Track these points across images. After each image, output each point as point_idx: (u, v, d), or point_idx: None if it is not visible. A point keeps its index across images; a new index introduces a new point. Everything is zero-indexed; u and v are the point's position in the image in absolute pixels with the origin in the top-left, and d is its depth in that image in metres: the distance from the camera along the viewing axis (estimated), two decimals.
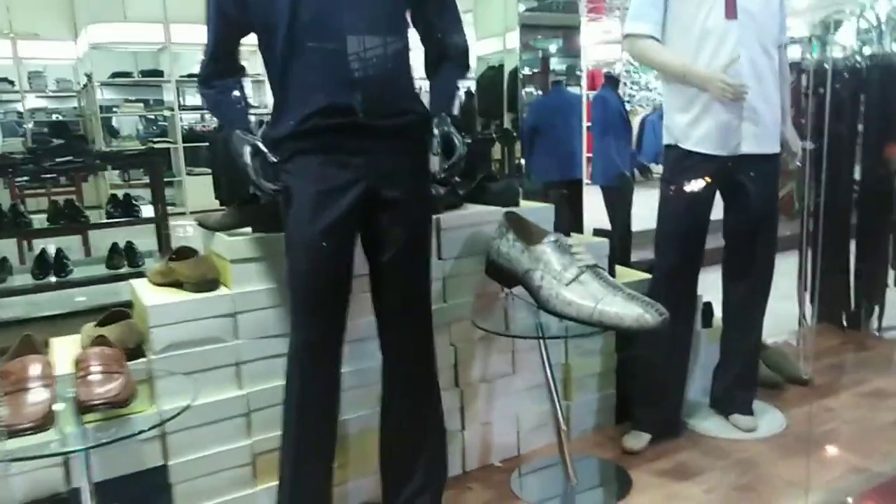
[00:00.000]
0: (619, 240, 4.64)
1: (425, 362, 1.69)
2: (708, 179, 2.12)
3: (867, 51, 3.39)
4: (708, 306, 2.50)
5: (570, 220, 4.84)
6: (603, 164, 4.85)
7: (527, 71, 5.30)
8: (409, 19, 1.59)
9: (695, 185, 2.12)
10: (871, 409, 2.37)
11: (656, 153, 8.13)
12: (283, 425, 1.59)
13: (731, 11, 2.04)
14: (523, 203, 2.23)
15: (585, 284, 1.73)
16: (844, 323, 3.29)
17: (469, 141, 5.03)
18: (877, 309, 3.29)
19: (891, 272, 3.35)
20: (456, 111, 1.65)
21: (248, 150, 1.51)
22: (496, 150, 5.30)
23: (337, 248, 1.52)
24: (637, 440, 2.18)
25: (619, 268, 2.49)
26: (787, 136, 2.25)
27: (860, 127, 3.25)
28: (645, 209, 4.82)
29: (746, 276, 2.23)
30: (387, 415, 1.71)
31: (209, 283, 1.75)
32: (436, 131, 1.55)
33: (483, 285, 2.04)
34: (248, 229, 1.80)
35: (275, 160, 1.52)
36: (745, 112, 2.07)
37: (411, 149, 1.56)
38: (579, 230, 4.84)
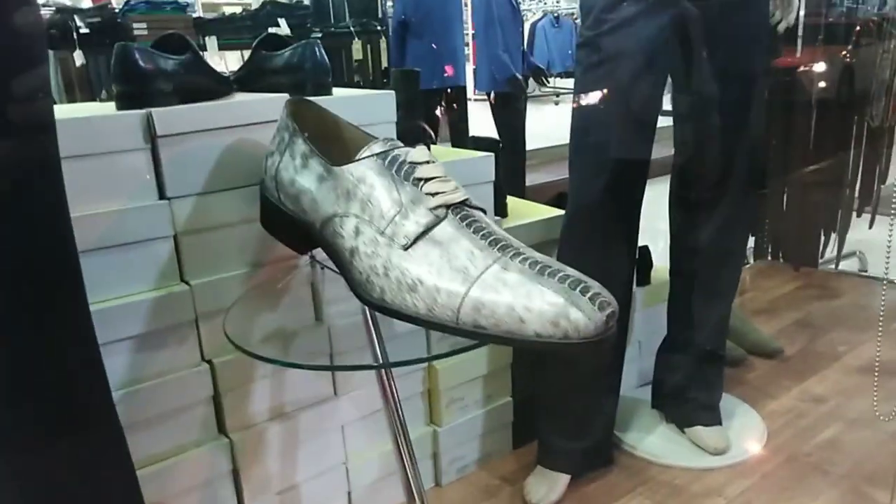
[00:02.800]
0: (511, 161, 3.86)
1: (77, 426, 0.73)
2: (656, 38, 1.22)
3: None
4: (644, 252, 1.65)
5: (452, 139, 4.01)
6: (489, 65, 4.01)
7: None
8: None
9: (635, 50, 1.22)
10: (878, 395, 1.63)
11: (550, 61, 7.31)
12: None
13: None
14: (341, 91, 1.26)
15: (445, 245, 0.78)
16: (789, 258, 2.61)
17: (320, 35, 4.01)
18: (834, 238, 2.63)
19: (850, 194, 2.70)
20: None
21: None
22: (357, 50, 4.25)
23: None
24: (546, 486, 1.32)
25: (514, 201, 1.59)
26: None
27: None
28: (540, 126, 4.02)
29: (716, 201, 1.38)
30: None
31: None
32: None
33: (263, 247, 1.09)
34: None
35: None
36: None
37: None
38: (460, 144, 4.01)
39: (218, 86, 1.16)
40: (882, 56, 2.63)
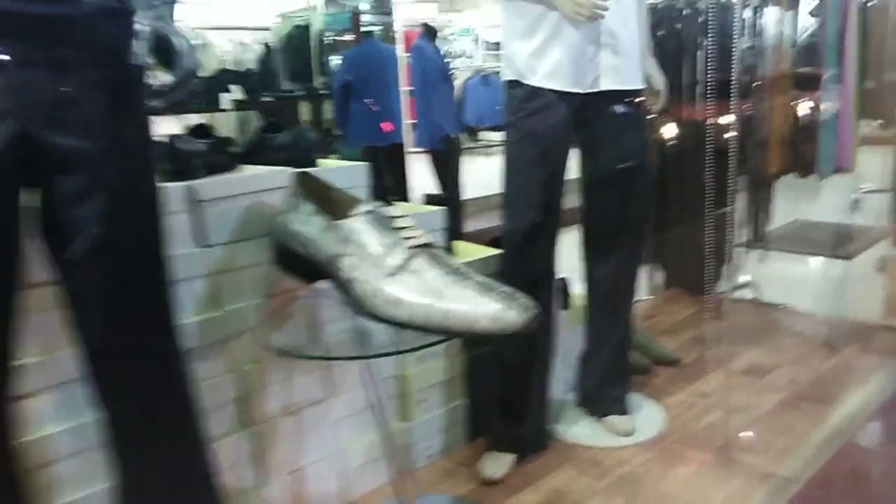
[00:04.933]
0: (449, 209, 4.24)
1: (172, 409, 1.05)
2: (561, 123, 1.65)
3: None
4: (563, 282, 2.05)
5: (393, 188, 4.37)
6: (426, 125, 4.41)
7: (335, 32, 4.77)
8: None
9: (545, 132, 1.64)
10: (750, 390, 2.06)
11: (480, 116, 7.84)
12: None
13: None
14: (325, 162, 1.63)
15: (418, 273, 1.16)
16: (691, 287, 3.07)
17: (270, 99, 4.33)
18: (722, 270, 3.11)
19: (740, 231, 3.19)
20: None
21: None
22: (304, 112, 4.62)
23: None
24: (497, 464, 1.68)
25: (461, 244, 1.98)
26: (649, 70, 1.84)
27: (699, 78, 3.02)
28: (474, 176, 4.45)
29: (614, 243, 1.80)
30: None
31: None
32: (140, 27, 0.90)
33: (274, 281, 1.42)
34: None
35: None
36: (602, 38, 1.62)
37: (98, 62, 0.90)
38: (404, 200, 4.38)
39: (231, 161, 1.51)
40: (770, 110, 3.12)
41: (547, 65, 1.62)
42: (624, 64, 1.67)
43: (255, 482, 1.45)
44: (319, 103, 4.68)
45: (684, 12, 2.98)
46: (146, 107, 0.95)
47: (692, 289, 3.07)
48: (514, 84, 1.68)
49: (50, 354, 1.15)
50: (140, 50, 0.90)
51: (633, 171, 1.76)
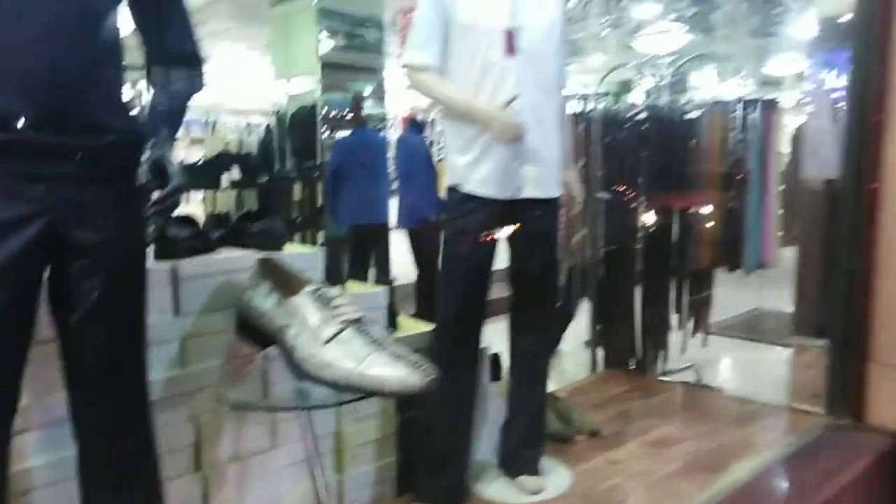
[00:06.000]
0: (426, 286, 4.54)
1: (137, 448, 1.33)
2: (489, 223, 1.98)
3: (651, 104, 3.59)
4: (496, 358, 2.35)
5: (368, 265, 4.67)
6: (407, 207, 4.77)
7: (338, 112, 5.15)
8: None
9: (475, 230, 1.97)
10: (655, 459, 2.32)
11: None
12: None
13: (510, 48, 1.94)
14: (290, 247, 1.95)
15: (346, 343, 1.46)
16: (632, 368, 3.35)
17: (265, 180, 4.69)
18: (661, 353, 3.40)
19: (673, 316, 3.49)
20: (178, 132, 1.34)
21: None
22: (296, 192, 4.99)
23: (7, 305, 1.14)
24: None
25: (407, 320, 2.28)
26: (568, 179, 2.19)
27: (640, 178, 3.37)
28: None
29: (531, 326, 2.11)
30: None
31: None
32: (146, 156, 1.23)
33: (235, 347, 1.71)
34: None
35: None
36: (525, 154, 1.97)
37: (112, 178, 1.23)
38: (386, 275, 4.69)
39: (211, 244, 1.83)
40: (702, 208, 3.45)
41: (479, 175, 1.97)
42: (544, 175, 2.02)
43: None
44: (313, 185, 5.04)
45: (627, 123, 3.37)
46: (143, 209, 1.28)
47: (630, 369, 3.35)
48: (452, 189, 2.02)
49: (37, 397, 1.42)
50: (143, 171, 1.23)
51: (547, 264, 2.08)
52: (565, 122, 2.21)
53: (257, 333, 1.59)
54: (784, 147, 3.93)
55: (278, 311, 1.54)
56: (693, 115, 3.55)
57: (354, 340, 1.46)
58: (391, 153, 5.21)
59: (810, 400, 2.69)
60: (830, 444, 2.42)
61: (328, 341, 1.45)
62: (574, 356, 3.47)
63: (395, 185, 5.01)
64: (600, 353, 3.42)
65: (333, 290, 1.55)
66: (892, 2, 2.42)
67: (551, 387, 2.31)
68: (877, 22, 2.44)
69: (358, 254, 4.55)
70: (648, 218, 3.41)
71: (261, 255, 1.70)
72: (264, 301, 1.57)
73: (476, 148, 1.97)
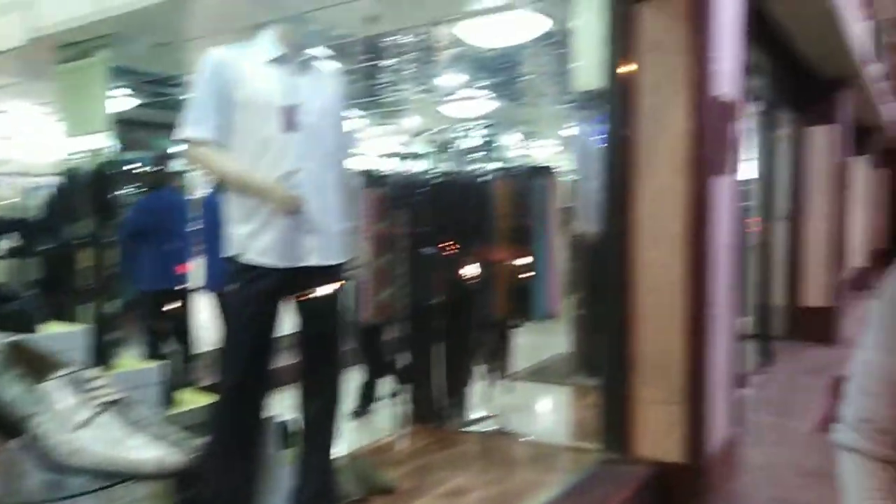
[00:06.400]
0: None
1: None
2: (270, 292, 2.01)
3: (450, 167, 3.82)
4: (284, 425, 2.35)
5: (167, 333, 4.46)
6: (214, 270, 4.63)
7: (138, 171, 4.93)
8: None
9: (255, 299, 1.99)
10: None
11: None
12: None
13: (289, 124, 2.02)
14: (52, 327, 1.84)
15: (102, 427, 1.41)
16: (436, 422, 3.46)
17: (50, 247, 4.32)
18: (463, 405, 3.54)
19: (479, 367, 3.67)
20: None
21: None
22: (87, 258, 4.65)
23: None
24: None
25: (190, 393, 2.22)
26: (355, 244, 2.29)
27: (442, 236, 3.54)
28: None
29: (318, 390, 2.14)
30: None
31: None
32: None
33: None
34: None
35: None
36: (306, 224, 2.03)
37: None
38: (184, 343, 4.48)
39: None
40: (494, 262, 3.68)
41: (260, 244, 2.00)
42: (326, 244, 2.09)
43: None
44: (104, 250, 4.72)
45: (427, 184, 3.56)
46: None
47: (434, 423, 3.46)
48: (231, 260, 2.03)
49: None
50: None
51: (332, 329, 2.15)
52: (355, 189, 2.31)
53: (4, 424, 1.49)
54: (563, 204, 4.31)
55: (24, 399, 1.45)
56: (486, 178, 3.82)
57: (111, 423, 1.41)
58: (196, 214, 5.05)
59: (589, 437, 2.95)
60: (603, 477, 2.67)
61: (80, 427, 1.39)
62: (381, 414, 3.53)
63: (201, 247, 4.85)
64: (409, 408, 3.50)
65: (90, 372, 1.50)
66: (635, 79, 2.77)
67: (353, 446, 2.35)
68: (626, 93, 2.77)
69: (155, 322, 4.34)
70: (450, 273, 3.58)
71: (11, 338, 1.59)
72: (9, 389, 1.48)
73: (257, 219, 2.00)
